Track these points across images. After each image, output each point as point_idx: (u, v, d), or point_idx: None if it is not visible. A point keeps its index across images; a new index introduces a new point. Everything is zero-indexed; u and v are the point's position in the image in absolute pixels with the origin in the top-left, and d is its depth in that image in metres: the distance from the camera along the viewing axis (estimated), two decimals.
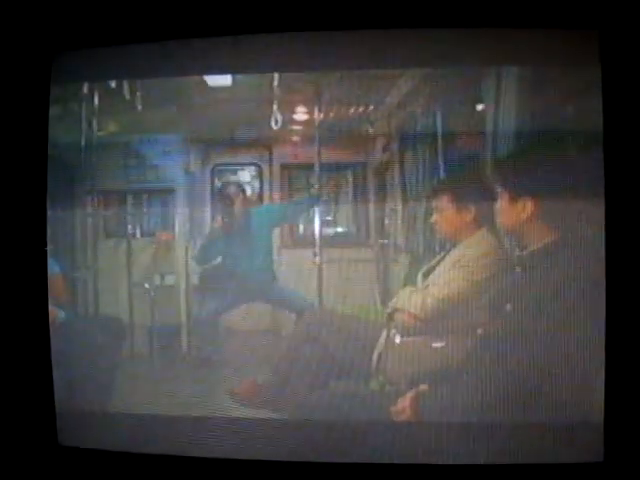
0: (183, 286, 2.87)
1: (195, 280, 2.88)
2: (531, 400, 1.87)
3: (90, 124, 2.51)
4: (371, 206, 2.67)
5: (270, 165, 2.99)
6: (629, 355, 1.73)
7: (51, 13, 1.92)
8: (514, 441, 1.86)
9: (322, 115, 2.61)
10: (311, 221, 2.71)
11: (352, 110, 2.57)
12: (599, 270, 1.78)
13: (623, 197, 1.75)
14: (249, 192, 2.92)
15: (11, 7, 1.89)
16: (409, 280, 2.40)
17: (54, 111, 2.03)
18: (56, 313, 2.17)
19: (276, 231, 2.90)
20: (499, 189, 2.05)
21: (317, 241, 2.67)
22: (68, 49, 1.99)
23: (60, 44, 1.97)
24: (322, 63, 2.08)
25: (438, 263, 2.29)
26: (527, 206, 1.99)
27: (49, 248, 2.01)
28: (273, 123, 2.54)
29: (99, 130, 2.53)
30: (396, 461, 1.91)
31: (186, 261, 2.89)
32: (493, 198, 2.07)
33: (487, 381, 1.94)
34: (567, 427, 1.85)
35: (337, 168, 2.87)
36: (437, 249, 2.36)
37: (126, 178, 2.80)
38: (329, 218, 2.82)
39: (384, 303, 2.38)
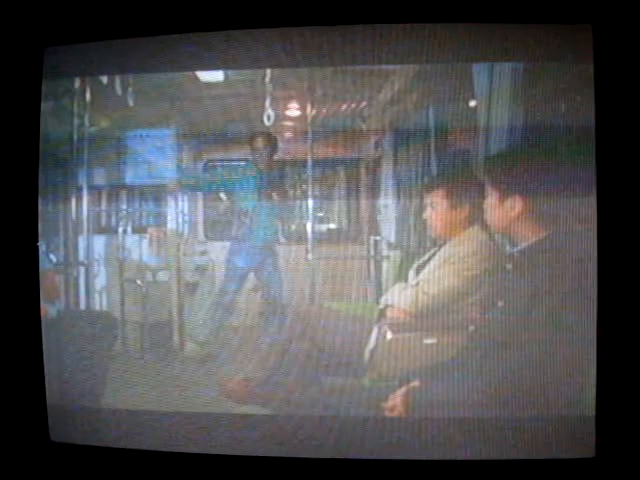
0: (175, 282, 2.86)
1: (187, 276, 2.87)
2: (523, 396, 1.88)
3: (82, 119, 2.49)
4: (363, 202, 2.66)
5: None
6: (621, 351, 1.74)
7: (42, 7, 1.91)
8: (506, 437, 1.87)
9: (315, 111, 2.60)
10: (303, 217, 2.70)
11: (345, 106, 2.56)
12: (591, 266, 1.79)
13: (615, 194, 1.76)
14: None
15: (2, 1, 1.88)
16: (401, 276, 2.40)
17: (46, 106, 2.02)
18: (47, 309, 2.16)
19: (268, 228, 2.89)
20: (491, 186, 2.06)
21: (309, 237, 2.66)
22: (59, 43, 1.99)
23: (51, 39, 1.96)
24: (315, 59, 2.08)
25: (430, 260, 2.29)
26: (519, 203, 2.00)
27: (40, 244, 2.01)
28: (266, 119, 2.53)
29: (91, 125, 2.52)
30: (387, 457, 1.92)
31: (178, 257, 2.88)
32: (485, 195, 2.08)
33: (478, 377, 1.95)
34: (559, 423, 1.86)
35: (330, 164, 2.87)
36: (429, 246, 2.36)
37: (118, 173, 2.78)
38: (321, 214, 2.81)
39: (376, 299, 2.38)
